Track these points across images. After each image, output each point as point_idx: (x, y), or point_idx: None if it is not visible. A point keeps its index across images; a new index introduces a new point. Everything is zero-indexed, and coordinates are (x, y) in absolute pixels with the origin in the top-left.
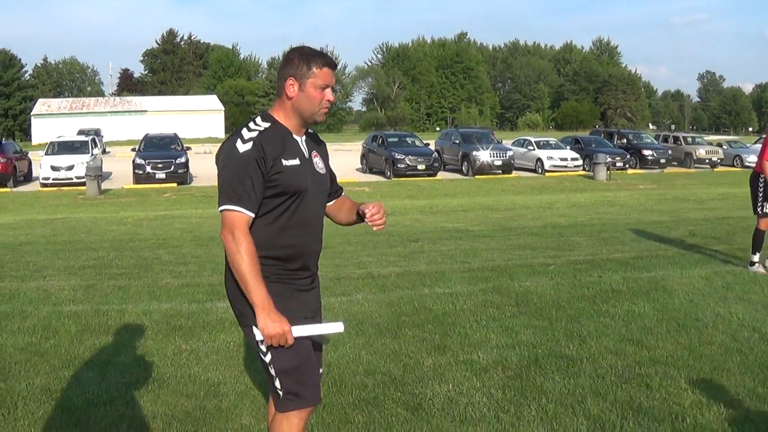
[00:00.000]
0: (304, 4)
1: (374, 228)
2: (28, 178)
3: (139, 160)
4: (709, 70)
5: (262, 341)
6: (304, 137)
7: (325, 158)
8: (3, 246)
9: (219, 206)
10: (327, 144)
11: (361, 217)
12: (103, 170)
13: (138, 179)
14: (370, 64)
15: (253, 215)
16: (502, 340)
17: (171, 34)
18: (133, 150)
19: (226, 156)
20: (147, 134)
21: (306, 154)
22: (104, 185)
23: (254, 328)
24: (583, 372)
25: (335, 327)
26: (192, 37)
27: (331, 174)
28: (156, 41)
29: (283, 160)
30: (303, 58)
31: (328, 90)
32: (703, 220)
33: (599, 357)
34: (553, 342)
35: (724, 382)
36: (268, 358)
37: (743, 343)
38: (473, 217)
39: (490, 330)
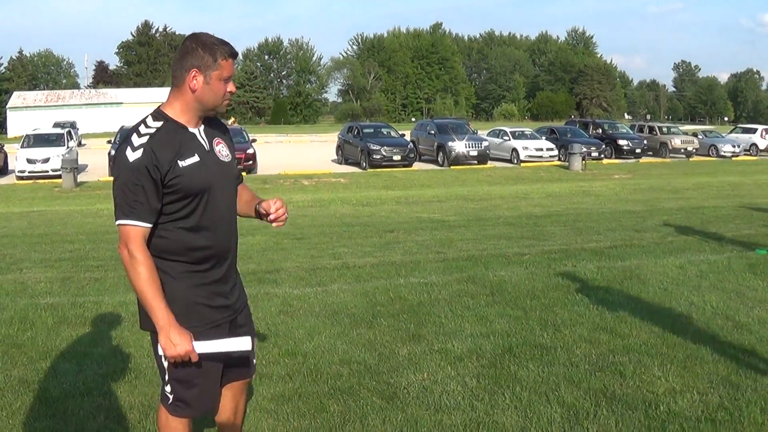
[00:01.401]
0: None
1: (275, 225)
2: (4, 171)
3: (115, 152)
4: (684, 59)
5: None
6: (202, 127)
7: (229, 144)
8: None
9: (115, 220)
10: (303, 135)
11: (258, 214)
12: (79, 163)
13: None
14: (345, 55)
15: (149, 225)
16: (476, 329)
17: (146, 26)
18: (109, 142)
19: (117, 166)
20: (123, 126)
21: (206, 146)
22: (80, 178)
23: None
24: (557, 360)
25: (241, 343)
26: (167, 29)
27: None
28: (131, 33)
29: (179, 162)
30: (207, 49)
31: (231, 82)
32: (678, 209)
33: (573, 345)
34: (527, 331)
35: (697, 369)
36: (165, 364)
37: (717, 331)
38: (449, 208)
39: (464, 319)
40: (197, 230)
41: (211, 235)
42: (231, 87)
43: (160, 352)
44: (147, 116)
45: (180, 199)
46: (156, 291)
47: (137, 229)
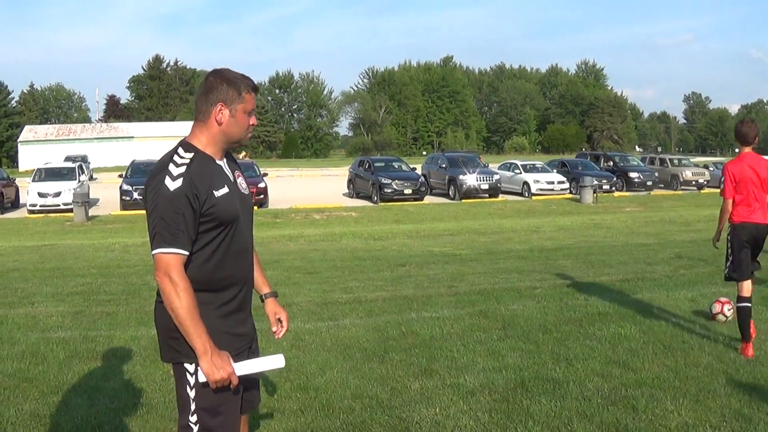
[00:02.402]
0: (289, 29)
1: (274, 335)
2: (16, 204)
3: (126, 186)
4: (695, 91)
5: (204, 383)
6: (225, 160)
7: (244, 176)
8: None
9: (153, 249)
10: (314, 169)
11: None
12: (91, 197)
13: (125, 205)
14: (356, 88)
15: (187, 254)
16: (488, 364)
17: (157, 60)
18: (120, 176)
19: (154, 195)
20: (134, 160)
21: (231, 178)
22: (92, 212)
23: (186, 365)
24: (570, 394)
25: (277, 361)
26: (178, 63)
27: None
28: (142, 67)
29: (214, 192)
30: (231, 84)
31: (253, 115)
32: (689, 242)
33: (586, 379)
34: (539, 365)
35: (710, 403)
36: (192, 394)
37: (729, 364)
38: (460, 241)
39: (476, 353)
40: (224, 260)
41: (236, 265)
42: (253, 120)
43: (188, 378)
44: (177, 147)
45: (213, 229)
46: (198, 318)
47: (178, 257)
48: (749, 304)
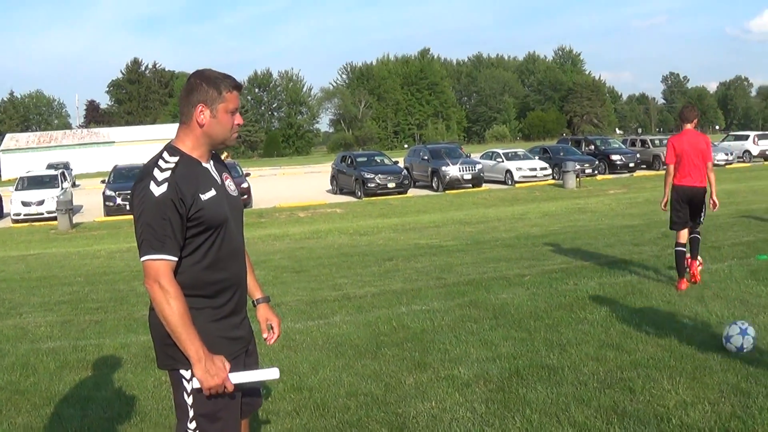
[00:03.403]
0: (266, 28)
1: (265, 341)
2: (0, 214)
3: (109, 192)
4: (672, 71)
5: (198, 389)
6: (211, 162)
7: (232, 178)
8: None
9: (141, 256)
10: (296, 167)
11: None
12: (74, 204)
13: (109, 211)
14: (335, 84)
15: (176, 259)
16: (482, 354)
17: (135, 63)
18: (103, 182)
19: (140, 201)
20: (116, 165)
21: (219, 181)
22: (76, 219)
23: (182, 371)
24: (566, 380)
25: (271, 373)
26: (156, 66)
27: None
28: (121, 71)
29: (201, 195)
30: (211, 83)
31: (238, 114)
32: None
33: (580, 364)
34: (533, 352)
35: (707, 380)
36: (189, 401)
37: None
38: (446, 233)
39: (469, 344)
40: (215, 263)
41: (228, 268)
42: (238, 119)
43: (185, 385)
44: (162, 152)
45: (201, 233)
46: (190, 324)
47: (167, 263)
48: (683, 249)
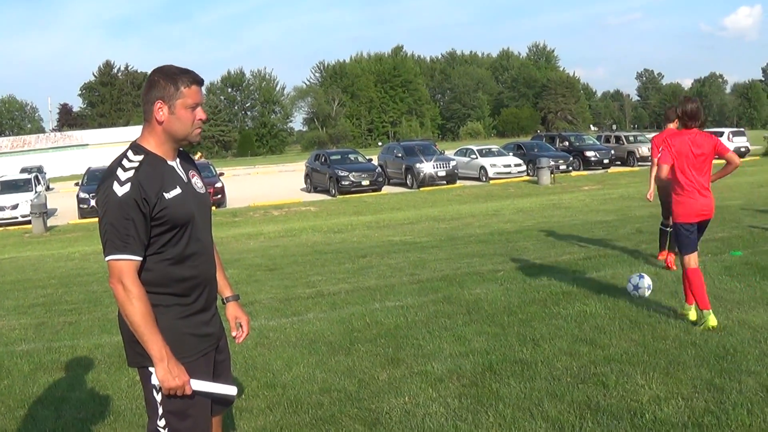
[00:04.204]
0: (239, 27)
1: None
2: None
3: (83, 195)
4: (647, 68)
5: (158, 386)
6: (177, 160)
7: (201, 177)
8: None
9: (105, 256)
10: (270, 166)
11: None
12: (48, 207)
13: (83, 214)
14: (308, 83)
15: (140, 259)
16: (455, 349)
17: (108, 65)
18: (77, 185)
19: (104, 201)
20: (90, 168)
21: (185, 178)
22: (50, 222)
23: (150, 368)
24: (539, 375)
25: (229, 390)
26: (129, 68)
27: None
28: (93, 74)
29: (165, 194)
30: (168, 79)
31: (199, 108)
32: (649, 216)
33: (554, 359)
34: (506, 347)
35: (681, 375)
36: (159, 398)
37: (697, 335)
38: (420, 229)
39: (443, 340)
40: (182, 261)
41: (195, 265)
42: (200, 114)
43: (154, 382)
44: (127, 151)
45: (167, 231)
46: (153, 324)
47: (130, 263)
48: (668, 229)
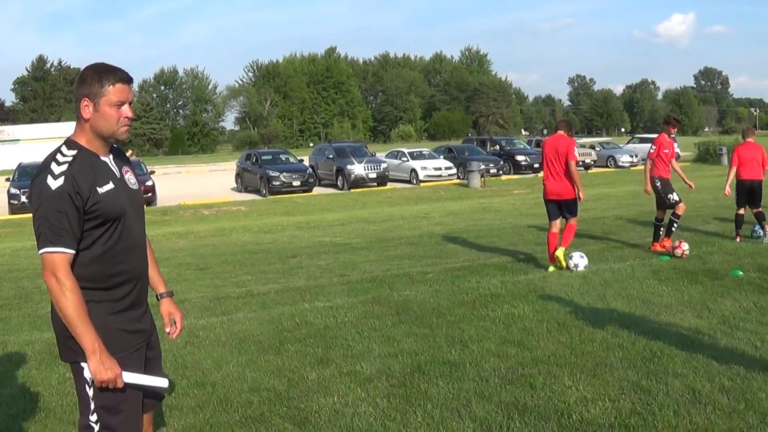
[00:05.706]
0: (172, 25)
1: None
2: None
3: (13, 190)
4: (579, 73)
5: (91, 380)
6: (111, 156)
7: (134, 173)
8: None
9: (39, 249)
10: (201, 165)
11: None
12: None
13: (13, 209)
14: (241, 82)
15: (73, 252)
16: (384, 350)
17: (41, 60)
18: (8, 180)
19: (38, 195)
20: (21, 163)
21: (118, 174)
22: None
23: (82, 363)
24: (467, 376)
25: (161, 382)
26: (62, 64)
27: None
28: (26, 69)
29: (98, 188)
30: (94, 77)
31: (125, 107)
32: (579, 221)
33: (482, 360)
34: (435, 348)
35: (608, 377)
36: (90, 393)
37: (624, 338)
38: (350, 231)
39: (372, 340)
40: (114, 256)
41: (127, 261)
42: (127, 112)
43: (86, 376)
44: (61, 146)
45: (99, 225)
46: (85, 317)
47: (63, 256)
48: (660, 223)
